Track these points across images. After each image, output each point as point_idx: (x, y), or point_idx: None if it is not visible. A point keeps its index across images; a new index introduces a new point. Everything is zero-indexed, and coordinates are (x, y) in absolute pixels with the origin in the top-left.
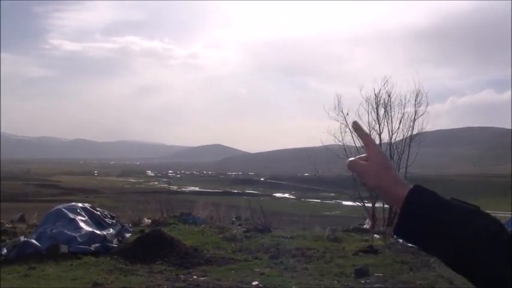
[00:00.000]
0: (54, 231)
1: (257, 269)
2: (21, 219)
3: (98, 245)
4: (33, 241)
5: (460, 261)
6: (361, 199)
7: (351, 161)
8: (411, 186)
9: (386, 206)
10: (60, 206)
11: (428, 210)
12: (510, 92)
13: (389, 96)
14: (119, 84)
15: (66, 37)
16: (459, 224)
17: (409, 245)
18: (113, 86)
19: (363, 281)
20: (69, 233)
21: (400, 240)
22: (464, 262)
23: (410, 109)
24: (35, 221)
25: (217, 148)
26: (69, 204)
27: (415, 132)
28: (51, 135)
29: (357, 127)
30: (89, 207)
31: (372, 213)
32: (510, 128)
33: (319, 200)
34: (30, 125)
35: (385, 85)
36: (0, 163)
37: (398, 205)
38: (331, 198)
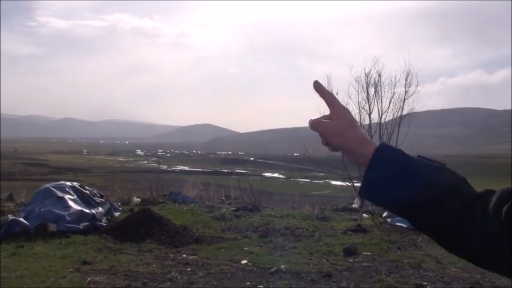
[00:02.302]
0: (42, 209)
1: (246, 248)
2: (9, 198)
3: (86, 223)
4: (22, 220)
5: (425, 214)
6: (350, 179)
7: (314, 120)
8: (377, 144)
9: None
10: (48, 185)
11: (395, 166)
12: (500, 72)
13: (379, 76)
14: (108, 62)
15: (54, 14)
16: (426, 177)
17: (398, 224)
18: (102, 64)
19: (351, 260)
20: (57, 211)
21: (389, 220)
22: (429, 214)
23: (400, 89)
24: (23, 200)
25: (207, 128)
26: (58, 183)
27: (405, 112)
28: (38, 114)
29: (318, 86)
30: (77, 186)
31: None
32: (499, 109)
33: (308, 180)
34: (17, 104)
35: (376, 65)
36: None
37: (365, 163)
38: (321, 178)
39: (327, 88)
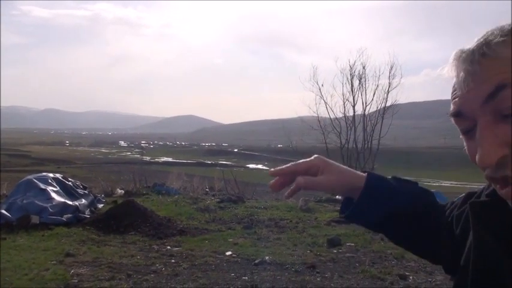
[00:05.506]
0: (25, 201)
1: (230, 239)
2: None
3: (69, 215)
4: (4, 212)
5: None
6: None
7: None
8: (362, 173)
9: None
10: (31, 176)
11: (383, 194)
12: None
13: (364, 68)
14: (91, 52)
15: (37, 3)
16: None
17: None
18: (85, 54)
19: (335, 251)
20: (40, 203)
21: None
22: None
23: (384, 81)
24: (4, 192)
25: (191, 119)
26: (40, 174)
27: (388, 104)
28: (21, 104)
29: (272, 172)
30: (60, 178)
31: None
32: None
33: None
34: None
35: (361, 57)
36: None
37: (356, 190)
38: None
39: (312, 80)
